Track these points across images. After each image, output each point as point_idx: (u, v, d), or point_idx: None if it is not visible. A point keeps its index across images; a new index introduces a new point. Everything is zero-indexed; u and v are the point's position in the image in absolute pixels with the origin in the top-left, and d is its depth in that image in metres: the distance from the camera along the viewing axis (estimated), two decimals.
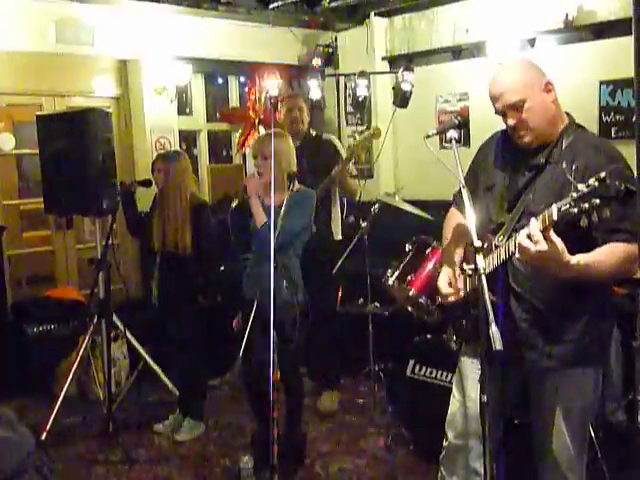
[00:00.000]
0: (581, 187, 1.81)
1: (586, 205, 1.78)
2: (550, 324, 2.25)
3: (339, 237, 4.56)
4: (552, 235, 1.93)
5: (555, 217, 1.87)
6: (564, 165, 2.06)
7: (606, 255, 2.08)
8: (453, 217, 2.61)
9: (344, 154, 4.51)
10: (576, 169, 2.03)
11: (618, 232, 2.07)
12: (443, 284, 2.39)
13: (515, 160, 2.33)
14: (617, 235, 2.07)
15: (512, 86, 2.23)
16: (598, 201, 1.77)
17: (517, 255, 2.04)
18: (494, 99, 2.28)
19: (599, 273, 2.09)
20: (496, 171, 2.40)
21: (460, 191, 2.19)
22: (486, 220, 2.34)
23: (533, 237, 1.93)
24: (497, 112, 2.30)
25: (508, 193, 2.30)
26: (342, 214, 4.71)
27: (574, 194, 1.82)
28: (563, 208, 1.84)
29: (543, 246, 1.92)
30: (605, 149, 2.21)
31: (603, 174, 1.79)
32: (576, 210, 1.81)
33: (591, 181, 1.80)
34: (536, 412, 2.42)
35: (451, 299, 2.38)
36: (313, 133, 4.63)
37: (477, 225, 2.10)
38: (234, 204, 3.31)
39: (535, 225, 1.94)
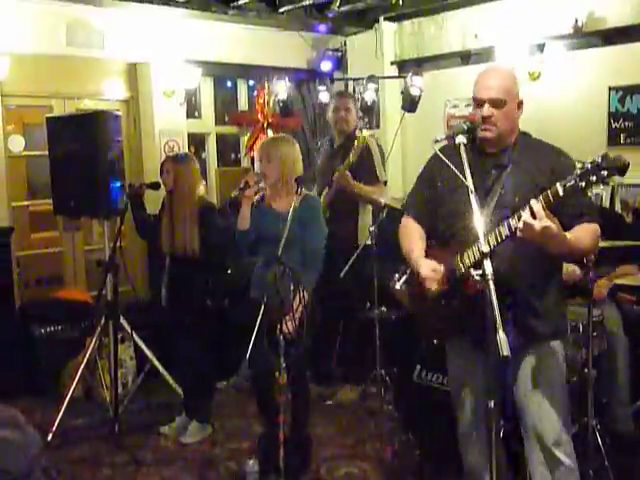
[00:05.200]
0: (581, 165, 2.06)
1: (594, 178, 2.01)
2: (529, 303, 2.46)
3: (362, 243, 4.52)
4: (549, 213, 2.15)
5: (562, 193, 2.09)
6: (527, 164, 2.43)
7: (584, 233, 2.36)
8: (410, 223, 2.73)
9: (377, 154, 4.54)
10: (540, 167, 2.40)
11: (583, 215, 2.36)
12: (427, 271, 2.48)
13: (478, 163, 2.48)
14: (584, 218, 2.37)
15: (503, 86, 2.45)
16: (606, 173, 2.00)
17: (519, 234, 2.19)
18: (482, 87, 2.47)
19: (580, 248, 2.37)
20: (458, 175, 2.49)
21: (411, 203, 2.71)
22: (453, 218, 2.51)
23: (537, 214, 2.11)
24: (476, 100, 2.48)
25: (478, 191, 2.40)
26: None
27: (578, 171, 2.05)
28: (568, 185, 2.07)
29: (546, 222, 2.11)
30: (559, 150, 2.52)
31: (601, 153, 2.04)
32: (583, 183, 2.04)
33: (590, 159, 2.04)
34: (517, 394, 2.54)
35: (435, 287, 2.46)
36: (357, 134, 4.65)
37: (439, 226, 2.51)
38: (233, 194, 3.33)
39: (537, 205, 2.12)
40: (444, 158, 2.37)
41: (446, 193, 2.58)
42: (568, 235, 2.26)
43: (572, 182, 2.06)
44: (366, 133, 4.64)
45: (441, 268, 2.47)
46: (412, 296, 2.78)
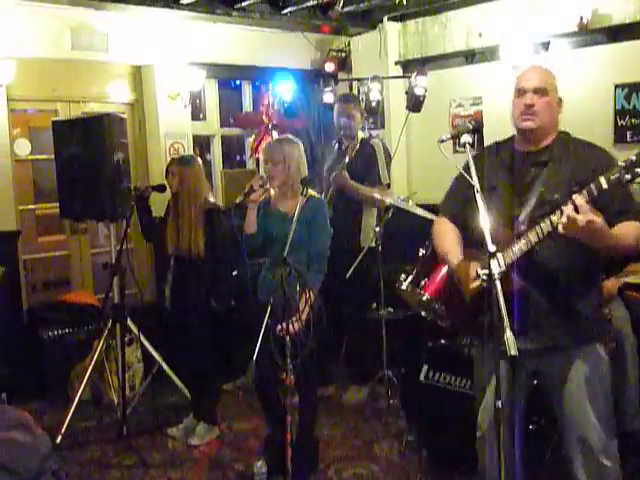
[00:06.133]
0: (627, 159, 2.05)
1: (639, 170, 2.02)
2: (569, 303, 2.41)
3: (366, 244, 4.51)
4: (592, 207, 2.12)
5: (606, 186, 2.08)
6: (567, 161, 2.40)
7: (627, 230, 2.32)
8: (445, 224, 2.73)
9: (382, 156, 4.55)
10: (581, 164, 2.37)
11: (627, 212, 2.33)
12: (462, 272, 2.48)
13: (516, 160, 2.51)
14: (626, 215, 2.33)
15: (545, 78, 2.50)
16: None
17: (561, 230, 2.16)
18: (525, 78, 2.49)
19: (625, 244, 2.33)
20: (495, 173, 2.55)
21: (447, 203, 2.66)
22: (496, 216, 2.45)
23: (581, 208, 2.08)
24: (518, 91, 2.49)
25: (517, 189, 2.44)
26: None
27: (622, 164, 2.05)
28: (612, 177, 2.06)
29: (590, 216, 2.08)
30: (600, 147, 2.51)
31: None
32: (629, 176, 2.04)
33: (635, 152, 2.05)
34: (558, 399, 2.49)
35: (470, 287, 2.45)
36: (362, 136, 4.66)
37: (476, 226, 2.38)
38: (238, 200, 3.33)
39: (580, 199, 2.10)
40: (470, 163, 2.35)
41: (482, 193, 2.56)
42: (613, 231, 2.23)
43: (617, 174, 2.04)
44: (361, 135, 4.61)
45: (475, 269, 2.43)
46: (447, 297, 2.77)
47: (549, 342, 2.43)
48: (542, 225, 2.26)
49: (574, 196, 2.11)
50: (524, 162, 2.50)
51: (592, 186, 2.10)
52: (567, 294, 2.42)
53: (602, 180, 2.07)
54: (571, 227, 2.12)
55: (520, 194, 2.43)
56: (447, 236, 2.68)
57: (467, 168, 2.60)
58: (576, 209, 2.09)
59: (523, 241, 2.35)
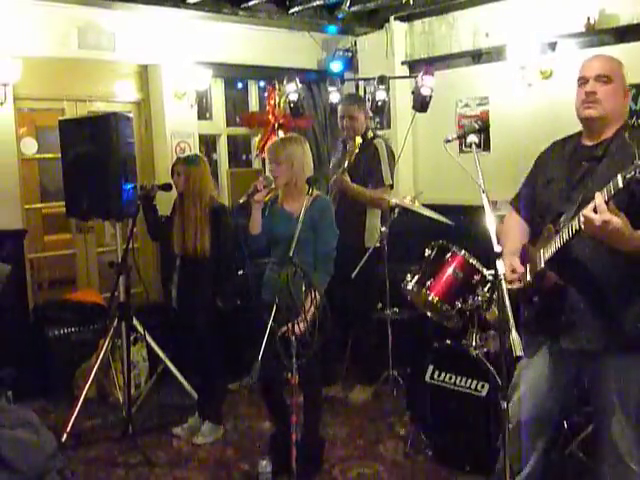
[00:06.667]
0: None
1: None
2: (608, 306, 2.34)
3: (370, 245, 4.49)
4: (614, 207, 2.05)
5: (621, 184, 1.99)
6: (621, 157, 2.23)
7: None
8: (513, 218, 2.72)
9: (384, 157, 4.53)
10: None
11: None
12: (507, 270, 2.44)
13: (574, 154, 2.45)
14: None
15: (609, 65, 2.42)
16: None
17: (582, 228, 2.12)
18: (587, 66, 2.43)
19: None
20: (555, 166, 2.52)
21: (517, 196, 2.61)
22: (544, 212, 2.46)
23: (598, 207, 2.03)
24: (580, 79, 2.42)
25: (568, 184, 2.39)
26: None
27: (638, 162, 1.95)
28: (628, 175, 1.97)
29: (607, 216, 2.03)
30: None
31: None
32: None
33: None
34: (594, 401, 2.48)
35: (515, 285, 2.43)
36: (369, 136, 4.65)
37: (535, 219, 2.45)
38: (242, 200, 3.33)
39: (599, 197, 2.05)
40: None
41: (541, 187, 2.54)
42: (637, 232, 2.14)
43: (632, 173, 1.97)
44: (359, 140, 4.59)
45: (520, 267, 2.45)
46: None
47: (587, 345, 2.38)
48: (573, 223, 2.20)
49: (596, 194, 2.06)
50: (579, 156, 2.44)
51: (610, 184, 2.03)
52: (607, 297, 2.34)
53: (619, 178, 2.01)
54: (588, 226, 2.09)
55: (570, 190, 2.38)
56: (507, 231, 2.67)
57: (540, 159, 2.64)
58: (595, 208, 2.05)
59: (558, 239, 2.31)
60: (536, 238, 2.52)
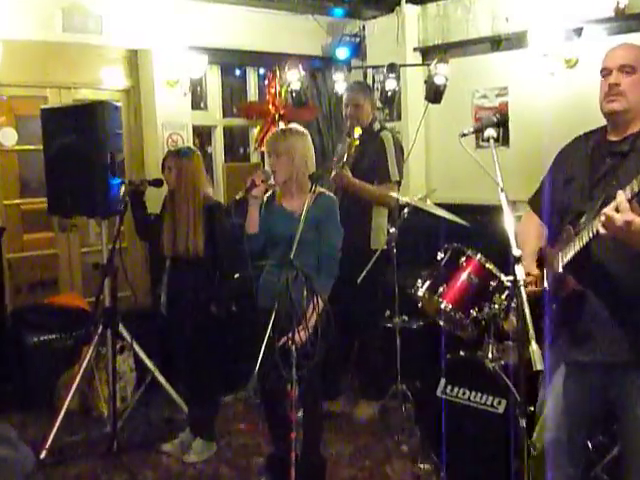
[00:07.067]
0: None
1: None
2: (631, 315, 2.33)
3: (377, 247, 4.48)
4: (637, 206, 2.05)
5: None
6: None
7: None
8: (530, 219, 2.75)
9: (391, 151, 4.53)
10: None
11: None
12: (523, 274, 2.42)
13: (597, 150, 2.45)
14: None
15: (634, 54, 2.41)
16: None
17: (601, 231, 2.12)
18: (610, 57, 2.44)
19: None
20: (576, 163, 2.53)
21: (535, 195, 2.61)
22: (564, 212, 2.47)
23: (620, 206, 2.04)
24: (603, 71, 2.44)
25: (589, 182, 2.40)
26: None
27: None
28: None
29: (629, 216, 2.03)
30: None
31: None
32: None
33: None
34: (619, 419, 2.48)
35: (529, 290, 2.41)
36: (375, 128, 4.66)
37: (554, 220, 2.46)
38: (238, 196, 3.33)
39: (621, 195, 2.05)
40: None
41: (560, 186, 2.56)
42: None
43: None
44: (358, 130, 4.56)
45: (535, 270, 2.47)
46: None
47: (609, 357, 2.38)
48: (593, 224, 2.19)
49: (618, 192, 2.07)
50: (603, 152, 2.45)
51: (634, 182, 2.04)
52: (630, 304, 2.34)
53: None
54: (609, 226, 2.09)
55: (592, 188, 2.39)
56: (524, 233, 2.67)
57: (560, 156, 2.65)
58: (617, 207, 2.05)
59: (577, 241, 2.31)
60: (554, 240, 2.52)
